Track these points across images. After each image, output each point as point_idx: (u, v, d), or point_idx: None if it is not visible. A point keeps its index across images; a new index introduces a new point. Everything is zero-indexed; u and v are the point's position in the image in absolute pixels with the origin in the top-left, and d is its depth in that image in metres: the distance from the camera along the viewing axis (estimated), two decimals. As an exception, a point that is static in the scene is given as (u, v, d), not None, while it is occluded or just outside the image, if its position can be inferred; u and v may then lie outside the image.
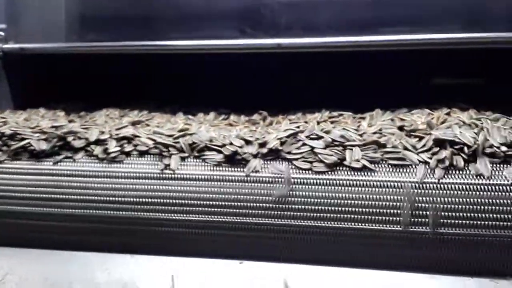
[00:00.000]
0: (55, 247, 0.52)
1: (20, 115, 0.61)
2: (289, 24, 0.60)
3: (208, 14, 0.62)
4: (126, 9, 0.63)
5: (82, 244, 0.51)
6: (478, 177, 0.45)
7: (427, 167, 0.46)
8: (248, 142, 0.50)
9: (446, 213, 0.45)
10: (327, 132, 0.50)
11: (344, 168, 0.47)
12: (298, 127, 0.53)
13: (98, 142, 0.51)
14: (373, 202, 0.46)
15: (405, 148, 0.48)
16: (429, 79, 0.70)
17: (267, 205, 0.47)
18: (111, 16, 0.64)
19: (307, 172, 0.48)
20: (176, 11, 0.63)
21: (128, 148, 0.51)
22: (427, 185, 0.46)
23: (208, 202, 0.48)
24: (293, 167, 0.48)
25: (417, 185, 0.46)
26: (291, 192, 0.47)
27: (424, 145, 0.48)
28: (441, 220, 0.45)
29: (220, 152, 0.49)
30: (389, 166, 0.47)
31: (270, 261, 0.48)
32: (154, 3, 0.63)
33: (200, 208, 0.48)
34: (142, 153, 0.51)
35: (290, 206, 0.47)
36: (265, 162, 0.48)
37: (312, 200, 0.47)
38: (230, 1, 0.62)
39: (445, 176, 0.46)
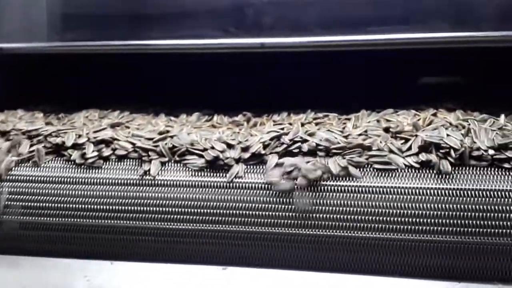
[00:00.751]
0: (33, 254, 0.51)
1: (-4, 117, 0.60)
2: (273, 23, 0.59)
3: (190, 13, 0.61)
4: (106, 8, 0.61)
5: (62, 250, 0.50)
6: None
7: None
8: (230, 146, 0.48)
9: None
10: (311, 135, 0.49)
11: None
12: (282, 128, 0.52)
13: (75, 146, 0.50)
14: (361, 209, 0.45)
15: (391, 151, 0.47)
16: (415, 79, 0.69)
17: (251, 212, 0.46)
18: (90, 16, 0.62)
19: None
20: (158, 10, 0.61)
21: (106, 152, 0.49)
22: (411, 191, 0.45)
23: (189, 210, 0.47)
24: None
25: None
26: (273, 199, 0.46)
27: (410, 148, 0.47)
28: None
29: (201, 156, 0.48)
30: (375, 170, 0.46)
31: (254, 267, 0.47)
32: (134, 2, 0.62)
33: (182, 216, 0.47)
34: (121, 158, 0.49)
35: (274, 213, 0.46)
36: (248, 167, 0.47)
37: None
38: (212, 0, 0.60)
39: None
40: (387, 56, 0.61)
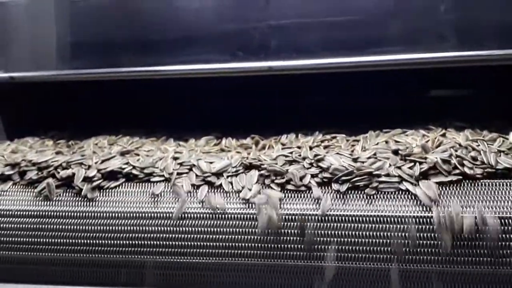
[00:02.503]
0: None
1: (8, 147, 0.60)
2: (280, 46, 0.60)
3: (198, 38, 0.61)
4: (115, 36, 0.62)
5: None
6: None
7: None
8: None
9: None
10: (319, 161, 0.49)
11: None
12: (291, 152, 0.52)
13: (85, 179, 0.50)
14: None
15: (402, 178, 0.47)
16: (423, 97, 0.69)
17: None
18: (100, 43, 0.62)
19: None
20: (166, 36, 0.62)
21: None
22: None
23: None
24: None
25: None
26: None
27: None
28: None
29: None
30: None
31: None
32: (143, 29, 0.62)
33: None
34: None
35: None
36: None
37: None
38: (220, 25, 0.61)
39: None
40: (393, 75, 0.61)
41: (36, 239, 0.50)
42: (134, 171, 0.51)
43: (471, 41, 0.56)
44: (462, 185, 0.46)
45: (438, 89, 0.69)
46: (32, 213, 0.50)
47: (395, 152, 0.51)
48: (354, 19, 0.57)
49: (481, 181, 0.46)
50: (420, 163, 0.48)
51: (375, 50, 0.57)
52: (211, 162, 0.51)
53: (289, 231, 0.46)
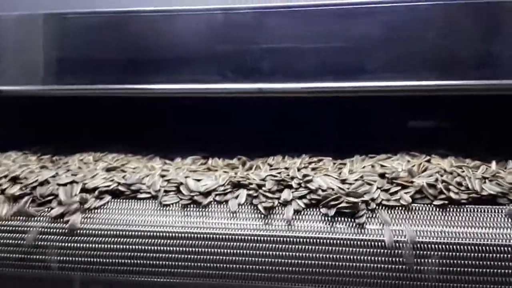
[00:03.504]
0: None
1: (-10, 160, 0.59)
2: (271, 69, 0.60)
3: (187, 58, 0.62)
4: (104, 53, 0.62)
5: None
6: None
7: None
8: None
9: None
10: (308, 182, 0.49)
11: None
12: (279, 173, 0.52)
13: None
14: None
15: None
16: (407, 125, 0.71)
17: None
18: (88, 60, 0.62)
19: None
20: (155, 54, 0.62)
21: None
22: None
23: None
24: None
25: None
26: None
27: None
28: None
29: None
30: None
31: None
32: (133, 47, 0.63)
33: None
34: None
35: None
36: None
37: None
38: (210, 45, 0.62)
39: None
40: (380, 103, 0.62)
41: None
42: (120, 188, 0.51)
43: (453, 70, 0.58)
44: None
45: (421, 117, 0.70)
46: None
47: (382, 176, 0.51)
48: (347, 45, 0.58)
49: (465, 206, 0.47)
50: (406, 187, 0.48)
51: (365, 76, 0.58)
52: (198, 180, 0.51)
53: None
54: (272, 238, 0.47)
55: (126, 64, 0.62)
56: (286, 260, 0.46)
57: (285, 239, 0.47)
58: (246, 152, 0.63)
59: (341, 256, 0.46)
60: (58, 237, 0.48)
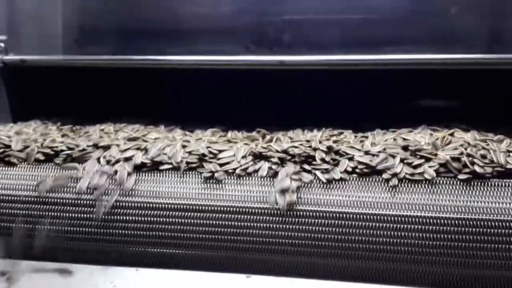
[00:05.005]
0: (56, 259, 0.50)
1: (11, 128, 0.59)
2: (292, 41, 0.60)
3: (208, 29, 0.61)
4: (125, 23, 0.62)
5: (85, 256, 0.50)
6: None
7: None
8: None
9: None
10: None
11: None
12: (301, 144, 0.52)
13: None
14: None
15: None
16: (429, 100, 0.70)
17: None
18: (110, 30, 0.62)
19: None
20: (176, 25, 0.62)
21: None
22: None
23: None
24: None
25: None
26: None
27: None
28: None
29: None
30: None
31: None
32: (154, 17, 0.62)
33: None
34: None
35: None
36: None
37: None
38: (231, 16, 0.61)
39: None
40: (403, 76, 0.61)
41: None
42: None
43: (480, 45, 0.57)
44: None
45: (444, 92, 0.69)
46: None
47: (405, 148, 0.51)
48: (370, 17, 0.57)
49: (490, 180, 0.47)
50: (430, 159, 0.48)
51: (388, 49, 0.58)
52: (220, 151, 0.51)
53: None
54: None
55: (148, 35, 0.62)
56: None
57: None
58: (265, 126, 0.63)
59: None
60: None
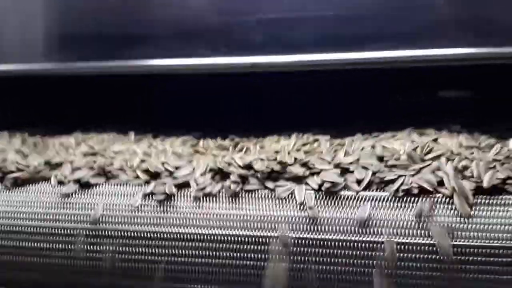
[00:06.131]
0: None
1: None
2: (264, 41, 0.55)
3: (175, 31, 0.57)
4: (91, 28, 0.58)
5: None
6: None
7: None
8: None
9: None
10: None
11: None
12: (268, 156, 0.48)
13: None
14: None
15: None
16: (418, 96, 0.65)
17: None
18: (72, 36, 0.59)
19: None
20: (144, 29, 0.58)
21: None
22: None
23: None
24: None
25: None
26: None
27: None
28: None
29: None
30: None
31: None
32: (121, 21, 0.58)
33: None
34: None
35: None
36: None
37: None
38: (199, 16, 0.57)
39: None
40: (386, 72, 0.56)
41: None
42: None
43: (475, 37, 0.51)
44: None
45: (436, 89, 0.64)
46: None
47: (380, 159, 0.46)
48: (350, 13, 0.52)
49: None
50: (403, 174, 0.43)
51: (371, 46, 0.53)
52: (177, 167, 0.47)
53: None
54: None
55: (109, 40, 0.58)
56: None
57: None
58: (243, 131, 0.59)
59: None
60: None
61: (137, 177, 0.47)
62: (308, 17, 0.54)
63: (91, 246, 0.44)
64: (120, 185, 0.46)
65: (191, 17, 0.56)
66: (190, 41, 0.56)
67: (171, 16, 0.57)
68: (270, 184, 0.45)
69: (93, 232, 0.44)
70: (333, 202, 0.43)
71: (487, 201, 0.40)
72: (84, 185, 0.46)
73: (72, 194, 0.46)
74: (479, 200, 0.41)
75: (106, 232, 0.44)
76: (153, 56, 0.57)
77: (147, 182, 0.46)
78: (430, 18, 0.51)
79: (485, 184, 0.41)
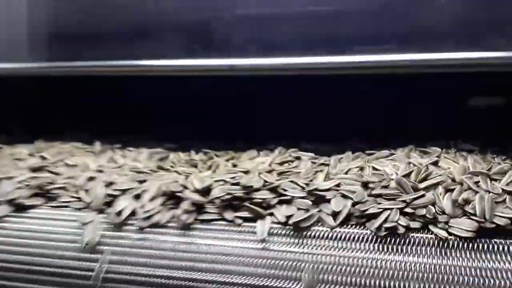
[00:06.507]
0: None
1: None
2: (244, 43, 0.48)
3: (151, 30, 0.50)
4: (58, 28, 0.52)
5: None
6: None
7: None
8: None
9: None
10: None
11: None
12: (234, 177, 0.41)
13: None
14: None
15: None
16: (425, 108, 0.56)
17: None
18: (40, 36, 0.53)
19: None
20: (115, 28, 0.51)
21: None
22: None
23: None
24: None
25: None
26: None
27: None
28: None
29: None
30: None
31: None
32: (91, 21, 0.52)
33: None
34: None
35: None
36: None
37: None
38: (176, 16, 0.50)
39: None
40: (390, 79, 0.48)
41: None
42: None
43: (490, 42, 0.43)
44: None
45: (449, 98, 0.55)
46: None
47: (365, 185, 0.38)
48: (335, 12, 0.44)
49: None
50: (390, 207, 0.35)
51: (359, 49, 0.45)
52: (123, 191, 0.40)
53: None
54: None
55: (78, 40, 0.52)
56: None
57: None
58: (222, 140, 0.52)
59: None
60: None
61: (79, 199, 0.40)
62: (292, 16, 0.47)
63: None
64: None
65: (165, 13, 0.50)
66: (166, 42, 0.50)
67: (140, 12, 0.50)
68: (228, 215, 0.37)
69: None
70: (301, 241, 0.35)
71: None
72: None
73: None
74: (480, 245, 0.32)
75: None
76: (125, 57, 0.51)
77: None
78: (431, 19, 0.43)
79: (488, 224, 0.32)
